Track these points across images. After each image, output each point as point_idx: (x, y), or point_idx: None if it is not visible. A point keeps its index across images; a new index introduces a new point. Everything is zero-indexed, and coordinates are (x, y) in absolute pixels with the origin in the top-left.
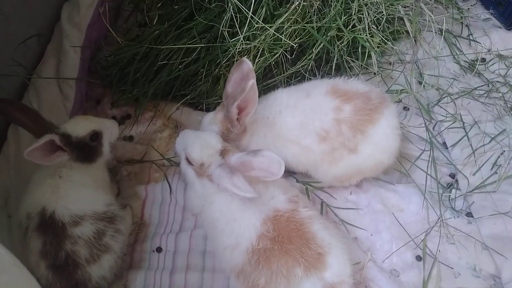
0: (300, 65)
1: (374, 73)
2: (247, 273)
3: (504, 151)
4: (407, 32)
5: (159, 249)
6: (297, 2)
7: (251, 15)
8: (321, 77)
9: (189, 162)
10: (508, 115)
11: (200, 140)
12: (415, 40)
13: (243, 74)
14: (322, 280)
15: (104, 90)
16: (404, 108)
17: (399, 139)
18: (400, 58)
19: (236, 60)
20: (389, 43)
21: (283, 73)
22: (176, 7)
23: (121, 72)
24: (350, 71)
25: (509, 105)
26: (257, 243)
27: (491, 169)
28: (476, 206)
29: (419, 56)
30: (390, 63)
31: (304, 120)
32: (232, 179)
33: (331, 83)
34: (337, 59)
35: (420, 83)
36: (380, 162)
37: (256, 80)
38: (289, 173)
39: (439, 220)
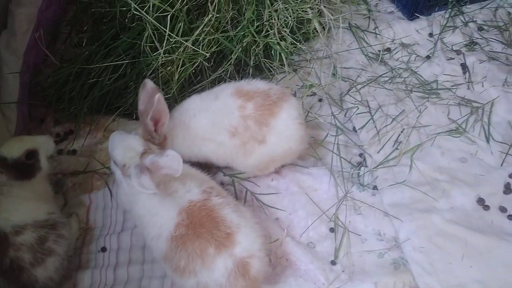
0: (221, 70)
1: (290, 71)
2: (170, 257)
3: (404, 129)
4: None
5: (103, 249)
6: (210, 16)
7: (168, 33)
8: (242, 79)
9: (115, 163)
10: (408, 97)
11: (123, 143)
12: (328, 37)
13: (149, 92)
14: (233, 256)
15: (46, 109)
16: (319, 100)
17: (301, 127)
18: (311, 57)
19: (160, 72)
20: (299, 44)
21: (207, 78)
22: (104, 27)
23: (58, 92)
24: (270, 71)
25: (409, 88)
26: (175, 231)
27: (393, 146)
28: (379, 179)
29: (332, 51)
30: (307, 60)
31: (215, 119)
32: (140, 179)
33: (236, 85)
34: (254, 62)
35: (334, 75)
36: (288, 149)
37: (182, 87)
38: (218, 168)
39: (345, 195)
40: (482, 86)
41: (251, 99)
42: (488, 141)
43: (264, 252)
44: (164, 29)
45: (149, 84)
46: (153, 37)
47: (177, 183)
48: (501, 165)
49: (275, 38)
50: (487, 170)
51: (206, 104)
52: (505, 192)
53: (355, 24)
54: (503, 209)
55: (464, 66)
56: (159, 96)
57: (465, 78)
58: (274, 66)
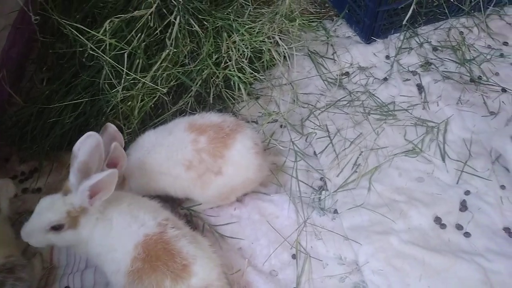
0: (182, 103)
1: (251, 100)
2: None
3: (362, 152)
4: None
5: None
6: (168, 51)
7: (126, 71)
8: (203, 110)
9: (57, 227)
10: (365, 119)
11: (42, 206)
12: (287, 65)
13: (111, 136)
14: (190, 287)
15: (11, 148)
16: (281, 126)
17: (258, 156)
18: (272, 84)
19: (121, 108)
20: (257, 74)
21: (169, 111)
22: (65, 65)
23: (21, 131)
24: (231, 101)
25: (366, 111)
26: (131, 265)
27: (352, 169)
28: (339, 203)
29: (292, 78)
30: (268, 88)
31: (169, 154)
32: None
33: (189, 120)
34: (215, 92)
35: (295, 101)
36: (246, 178)
37: (143, 121)
38: (177, 202)
39: (305, 222)
40: (437, 105)
41: (204, 132)
42: (443, 159)
43: (222, 281)
44: (121, 67)
45: (111, 127)
46: (110, 75)
47: (129, 217)
48: (457, 182)
49: (233, 69)
50: (443, 189)
51: (160, 140)
52: (461, 210)
53: (314, 50)
54: (459, 227)
55: (420, 87)
56: (115, 145)
57: (421, 98)
58: (235, 95)
